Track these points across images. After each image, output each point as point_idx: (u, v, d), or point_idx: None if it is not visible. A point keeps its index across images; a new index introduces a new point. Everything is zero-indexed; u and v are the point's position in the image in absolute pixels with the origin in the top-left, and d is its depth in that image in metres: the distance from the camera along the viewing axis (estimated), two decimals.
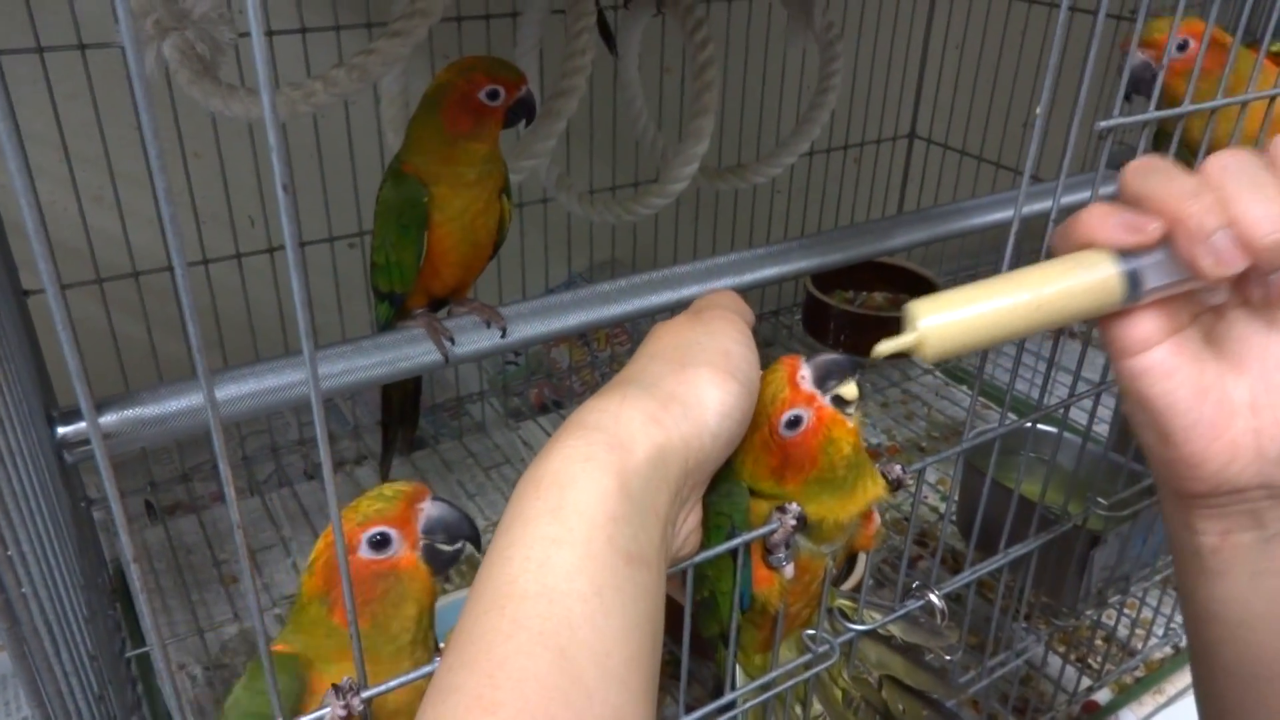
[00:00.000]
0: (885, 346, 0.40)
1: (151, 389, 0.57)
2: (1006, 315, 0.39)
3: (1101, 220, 0.40)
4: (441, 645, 0.84)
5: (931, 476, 1.13)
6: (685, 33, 0.94)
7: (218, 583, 0.95)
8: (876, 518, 0.53)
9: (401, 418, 0.95)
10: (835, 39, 1.06)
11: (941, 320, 0.39)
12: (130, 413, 0.55)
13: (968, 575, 0.60)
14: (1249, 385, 0.42)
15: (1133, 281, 0.39)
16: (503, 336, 0.75)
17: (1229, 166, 0.39)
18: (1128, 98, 0.74)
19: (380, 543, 0.43)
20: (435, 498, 0.45)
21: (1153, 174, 0.41)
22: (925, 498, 1.11)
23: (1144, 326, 0.41)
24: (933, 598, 0.56)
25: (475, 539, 0.46)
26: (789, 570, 0.49)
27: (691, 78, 0.94)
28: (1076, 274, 0.39)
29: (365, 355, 0.70)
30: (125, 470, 1.05)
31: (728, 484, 0.48)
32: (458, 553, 0.45)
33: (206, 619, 0.91)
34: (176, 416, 0.56)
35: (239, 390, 0.61)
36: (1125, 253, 0.40)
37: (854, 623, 0.55)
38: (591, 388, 1.27)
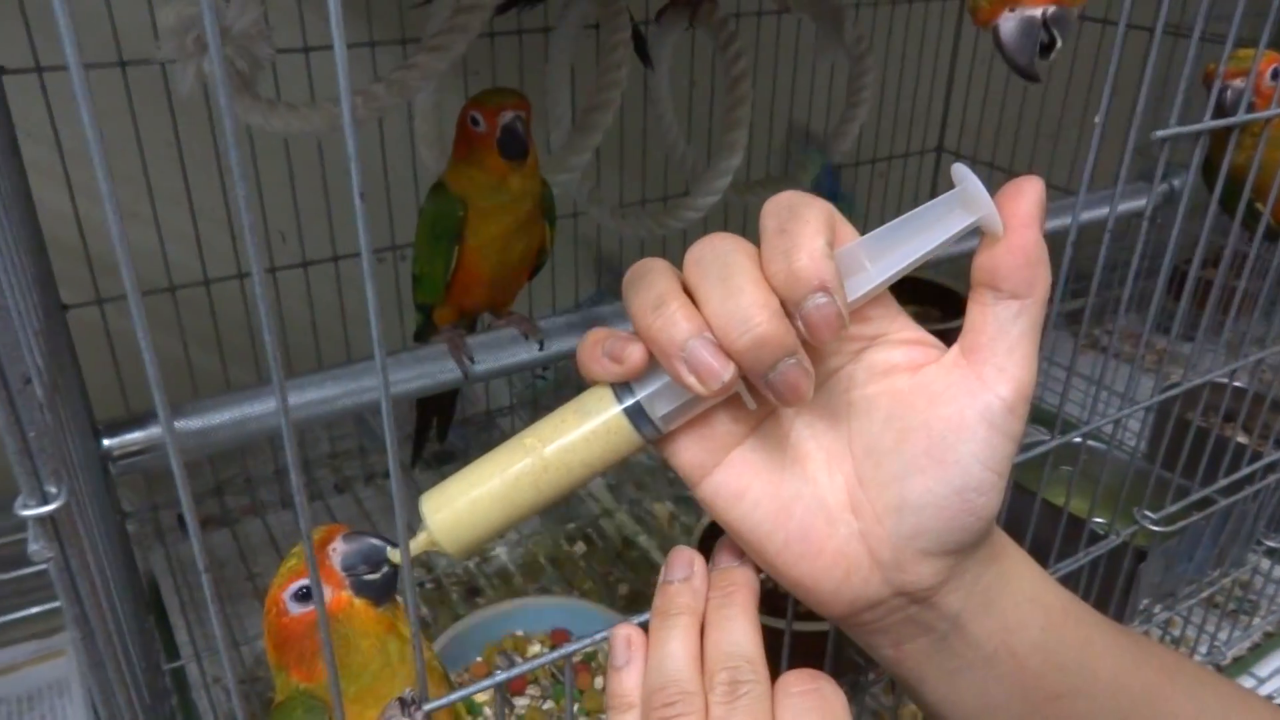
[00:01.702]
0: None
1: (214, 397, 0.59)
2: (514, 488, 0.35)
3: (593, 350, 0.35)
4: (480, 659, 0.83)
5: None
6: (718, 46, 0.94)
7: (251, 596, 0.95)
8: None
9: (437, 417, 0.96)
10: (866, 52, 1.06)
11: (448, 514, 0.35)
12: (189, 423, 0.56)
13: None
14: (842, 485, 0.35)
15: (639, 415, 0.34)
16: (540, 349, 0.75)
17: (701, 258, 0.33)
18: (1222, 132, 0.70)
19: (304, 596, 0.44)
20: (346, 535, 0.45)
21: (630, 283, 0.34)
22: None
23: (690, 452, 0.36)
24: None
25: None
26: None
27: (724, 91, 0.94)
28: (575, 423, 0.35)
29: (403, 368, 0.71)
30: (159, 485, 1.06)
31: None
32: (390, 576, 0.45)
33: (240, 632, 0.91)
34: (242, 423, 0.57)
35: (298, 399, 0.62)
36: (626, 384, 0.35)
37: None
38: None
